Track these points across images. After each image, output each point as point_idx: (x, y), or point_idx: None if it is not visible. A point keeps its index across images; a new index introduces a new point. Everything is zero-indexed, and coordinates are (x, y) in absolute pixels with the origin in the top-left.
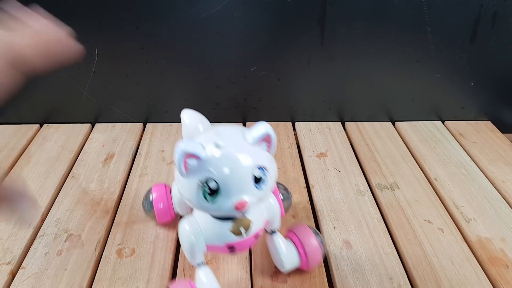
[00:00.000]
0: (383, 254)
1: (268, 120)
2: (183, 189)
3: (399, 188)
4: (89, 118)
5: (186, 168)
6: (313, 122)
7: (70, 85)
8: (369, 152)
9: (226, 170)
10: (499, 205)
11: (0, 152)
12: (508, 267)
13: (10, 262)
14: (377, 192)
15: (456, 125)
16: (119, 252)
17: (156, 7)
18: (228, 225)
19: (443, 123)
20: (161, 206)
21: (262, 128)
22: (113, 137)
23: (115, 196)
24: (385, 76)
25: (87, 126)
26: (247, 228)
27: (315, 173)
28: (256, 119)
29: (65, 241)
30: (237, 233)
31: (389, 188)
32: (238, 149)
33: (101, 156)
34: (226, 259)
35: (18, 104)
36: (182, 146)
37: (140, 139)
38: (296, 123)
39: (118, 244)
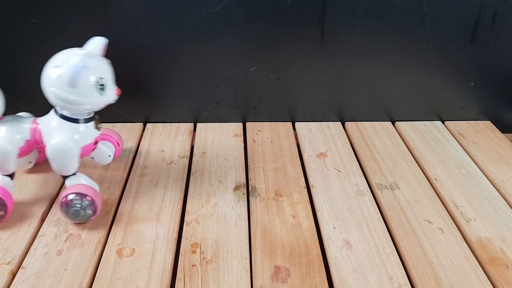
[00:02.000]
0: (383, 254)
1: (268, 120)
2: (79, 96)
3: (399, 188)
4: None
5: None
6: (313, 122)
7: None
8: (369, 152)
9: (107, 69)
10: (499, 205)
11: None
12: (508, 267)
13: (10, 262)
14: (377, 192)
15: (456, 125)
16: (119, 252)
17: (156, 7)
18: (91, 125)
19: (443, 123)
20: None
21: (100, 39)
22: None
23: (115, 196)
24: (385, 76)
25: None
26: (100, 124)
27: (315, 173)
28: (256, 119)
29: (65, 241)
30: (98, 128)
31: (389, 188)
32: (100, 55)
33: None
34: (226, 259)
35: (18, 104)
36: (83, 62)
37: (140, 139)
38: (296, 123)
39: (118, 244)
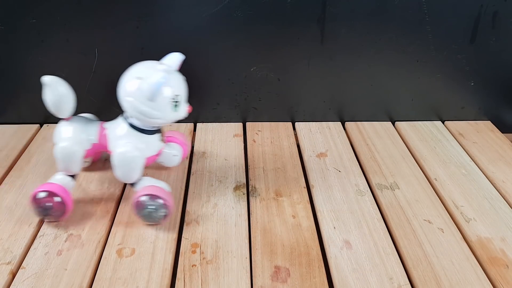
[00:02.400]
0: (383, 254)
1: (268, 120)
2: (154, 110)
3: (399, 188)
4: None
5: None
6: (313, 122)
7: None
8: (369, 152)
9: (183, 87)
10: (499, 205)
11: (0, 152)
12: (508, 267)
13: (10, 262)
14: (377, 192)
15: (456, 125)
16: (119, 252)
17: (156, 7)
18: (157, 136)
19: (443, 123)
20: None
21: (178, 56)
22: None
23: (115, 196)
24: (385, 76)
25: None
26: (164, 137)
27: (315, 173)
28: (256, 119)
29: (65, 241)
30: (163, 140)
31: (389, 188)
32: (176, 72)
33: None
34: (226, 259)
35: (18, 104)
36: (165, 78)
37: None
38: (296, 123)
39: (118, 244)
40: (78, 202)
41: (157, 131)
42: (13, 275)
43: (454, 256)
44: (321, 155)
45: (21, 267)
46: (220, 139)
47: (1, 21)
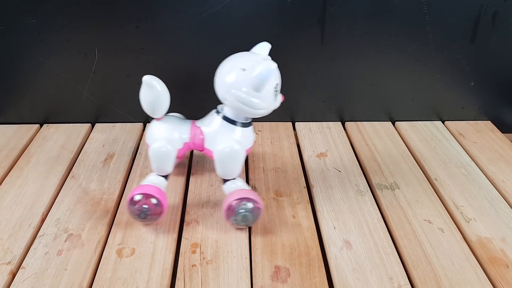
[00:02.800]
0: (383, 254)
1: (268, 120)
2: (260, 100)
3: (399, 188)
4: (89, 118)
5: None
6: (313, 122)
7: (70, 85)
8: (369, 152)
9: (279, 75)
10: (499, 205)
11: (0, 152)
12: (508, 267)
13: (10, 262)
14: (377, 192)
15: (456, 125)
16: (119, 252)
17: (156, 7)
18: (252, 128)
19: (443, 123)
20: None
21: (266, 44)
22: (113, 137)
23: (115, 196)
24: (385, 76)
25: (87, 126)
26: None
27: (315, 173)
28: (256, 119)
29: (65, 241)
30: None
31: (389, 188)
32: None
33: (101, 156)
34: (226, 259)
35: (18, 104)
36: (272, 69)
37: (140, 139)
38: (296, 123)
39: (118, 244)
40: (78, 202)
41: (251, 123)
42: (13, 275)
43: (454, 256)
44: (321, 155)
45: (21, 267)
46: None
47: (1, 21)
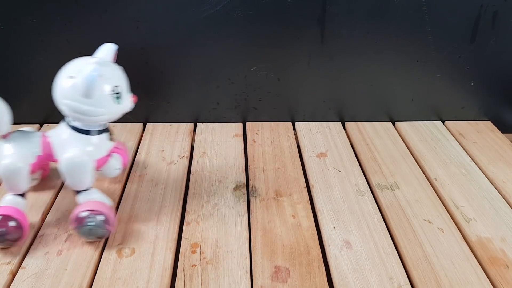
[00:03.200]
0: (383, 254)
1: (268, 120)
2: (95, 106)
3: (399, 188)
4: None
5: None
6: (313, 122)
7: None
8: (369, 152)
9: (120, 76)
10: (499, 205)
11: None
12: (508, 267)
13: (10, 262)
14: (377, 192)
15: (456, 125)
16: (119, 252)
17: (156, 7)
18: (105, 136)
19: (443, 123)
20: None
21: (111, 46)
22: None
23: (115, 196)
24: (385, 76)
25: None
26: (113, 135)
27: (315, 173)
28: (256, 119)
29: (65, 241)
30: (111, 139)
31: (389, 188)
32: (112, 63)
33: None
34: (226, 259)
35: (18, 104)
36: (97, 70)
37: (140, 139)
38: (296, 123)
39: (118, 244)
40: None
41: (104, 130)
42: (13, 275)
43: (454, 256)
44: (321, 155)
45: (21, 267)
46: (220, 139)
47: (1, 21)
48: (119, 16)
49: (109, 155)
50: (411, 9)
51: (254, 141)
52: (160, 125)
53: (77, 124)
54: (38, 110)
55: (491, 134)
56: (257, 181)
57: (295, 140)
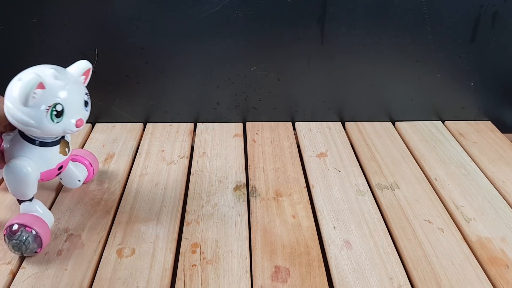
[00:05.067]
0: (383, 254)
1: (268, 120)
2: (28, 117)
3: (399, 188)
4: (89, 118)
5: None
6: (313, 122)
7: None
8: (369, 152)
9: (69, 96)
10: (499, 205)
11: None
12: (508, 267)
13: (10, 262)
14: (377, 192)
15: (456, 125)
16: (119, 252)
17: (156, 7)
18: (55, 149)
19: (443, 123)
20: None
21: (84, 63)
22: (113, 137)
23: (115, 196)
24: (385, 76)
25: (87, 126)
26: (68, 148)
27: (315, 173)
28: (256, 119)
29: (65, 241)
30: (64, 153)
31: (389, 188)
32: (72, 80)
33: (101, 156)
34: (226, 259)
35: None
36: (36, 80)
37: (140, 139)
38: (296, 123)
39: (118, 244)
40: (78, 202)
41: (56, 142)
42: (13, 275)
43: (454, 256)
44: (321, 155)
45: (21, 267)
46: (220, 139)
47: (1, 21)
48: (119, 16)
49: (60, 167)
50: (411, 9)
51: (254, 141)
52: (160, 125)
53: (27, 133)
54: None
55: (491, 134)
56: (257, 181)
57: (295, 140)
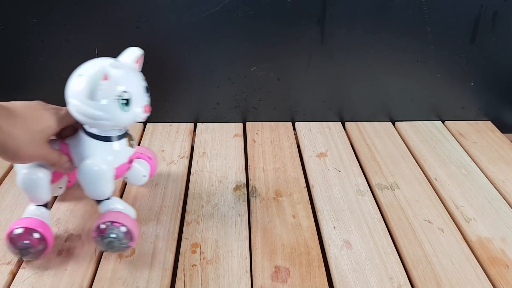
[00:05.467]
0: (383, 254)
1: (268, 120)
2: (98, 110)
3: (399, 188)
4: None
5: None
6: (313, 122)
7: None
8: (369, 152)
9: (132, 83)
10: (499, 205)
11: None
12: (508, 267)
13: (10, 262)
14: (377, 192)
15: (456, 125)
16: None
17: (156, 7)
18: (124, 142)
19: (443, 123)
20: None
21: (136, 50)
22: None
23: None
24: (385, 76)
25: None
26: (134, 141)
27: (315, 173)
28: (256, 119)
29: (65, 241)
30: (131, 146)
31: (389, 188)
32: (129, 67)
33: None
34: (226, 259)
35: None
36: (102, 71)
37: (140, 139)
38: (296, 123)
39: None
40: (79, 202)
41: (123, 136)
42: (13, 275)
43: (454, 256)
44: (321, 155)
45: (21, 267)
46: (220, 139)
47: (1, 21)
48: (119, 16)
49: (130, 162)
50: (411, 9)
51: (254, 141)
52: (160, 125)
53: (93, 130)
54: None
55: (491, 134)
56: (257, 181)
57: (295, 140)
